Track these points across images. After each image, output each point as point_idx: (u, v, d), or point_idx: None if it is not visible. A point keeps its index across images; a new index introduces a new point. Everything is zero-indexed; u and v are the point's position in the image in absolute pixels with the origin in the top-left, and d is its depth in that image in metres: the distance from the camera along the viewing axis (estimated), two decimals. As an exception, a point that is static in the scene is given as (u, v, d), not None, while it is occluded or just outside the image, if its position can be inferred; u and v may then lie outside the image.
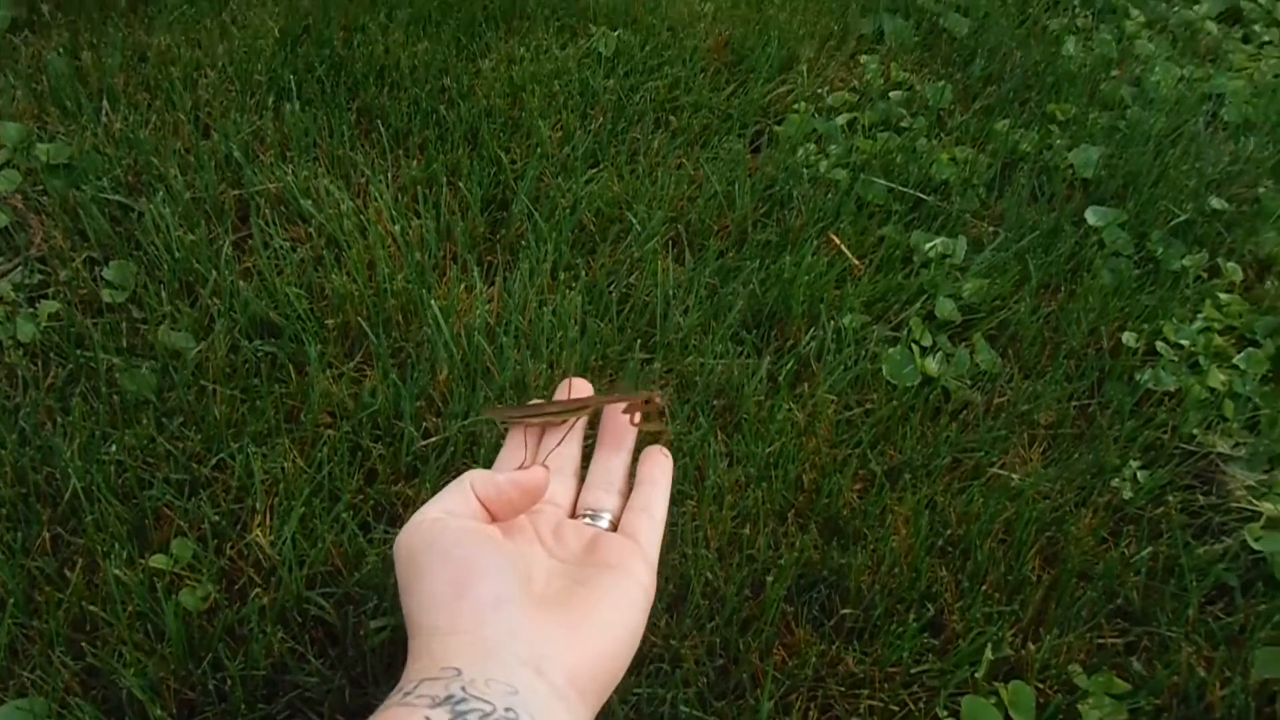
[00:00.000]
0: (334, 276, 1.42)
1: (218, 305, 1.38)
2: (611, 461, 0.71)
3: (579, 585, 0.57)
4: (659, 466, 0.69)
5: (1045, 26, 2.14)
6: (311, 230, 1.50)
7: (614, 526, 0.66)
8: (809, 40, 2.02)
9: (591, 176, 1.64)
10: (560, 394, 0.73)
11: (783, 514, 1.22)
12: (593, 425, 0.75)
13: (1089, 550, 1.20)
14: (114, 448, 1.19)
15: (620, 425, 0.72)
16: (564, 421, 0.72)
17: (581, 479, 0.71)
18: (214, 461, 1.21)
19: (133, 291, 1.39)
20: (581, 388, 0.73)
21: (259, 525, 1.15)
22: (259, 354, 1.33)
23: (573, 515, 0.68)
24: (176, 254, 1.42)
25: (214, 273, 1.41)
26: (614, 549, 0.61)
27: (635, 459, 0.71)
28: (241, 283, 1.40)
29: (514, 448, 0.71)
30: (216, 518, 1.14)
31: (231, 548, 1.13)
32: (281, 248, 1.47)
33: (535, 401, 0.77)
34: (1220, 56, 2.15)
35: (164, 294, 1.38)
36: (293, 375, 1.31)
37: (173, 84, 1.71)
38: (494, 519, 0.60)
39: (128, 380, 1.27)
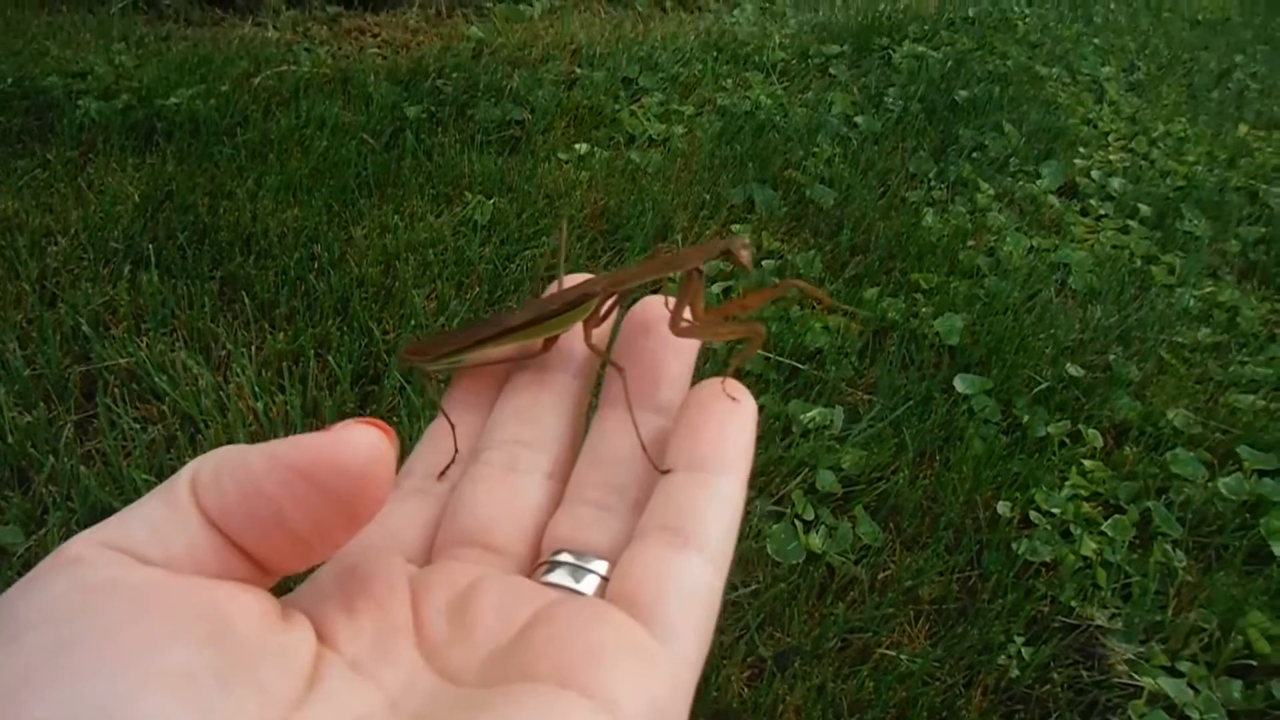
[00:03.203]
0: (188, 459, 1.32)
1: (54, 494, 1.26)
2: (619, 440, 0.35)
3: None
4: (723, 421, 0.34)
5: (904, 198, 2.26)
6: (165, 408, 1.41)
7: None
8: (682, 209, 2.07)
9: (467, 347, 1.61)
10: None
11: (670, 709, 1.15)
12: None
13: (982, 736, 1.17)
14: (-82, 666, 1.05)
15: (646, 351, 0.37)
16: (543, 348, 0.39)
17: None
18: (37, 677, 1.08)
19: (-45, 481, 1.27)
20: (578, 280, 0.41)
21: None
22: (98, 548, 1.21)
23: (536, 563, 0.34)
24: (9, 437, 1.31)
25: (51, 458, 1.29)
26: (574, 636, 0.28)
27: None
28: (83, 468, 1.29)
29: (438, 435, 0.38)
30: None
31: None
32: (130, 428, 1.37)
33: (492, 315, 0.42)
34: (1064, 228, 2.30)
35: (-8, 483, 1.26)
36: (135, 571, 1.20)
37: (17, 251, 1.62)
38: (263, 568, 0.27)
39: (-59, 585, 1.13)
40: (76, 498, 1.25)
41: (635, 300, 0.40)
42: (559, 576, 0.32)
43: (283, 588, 0.30)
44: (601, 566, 0.32)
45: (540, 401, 0.37)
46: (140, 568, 0.25)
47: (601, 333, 0.40)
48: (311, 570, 0.30)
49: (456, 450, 0.37)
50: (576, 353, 0.39)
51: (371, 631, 0.29)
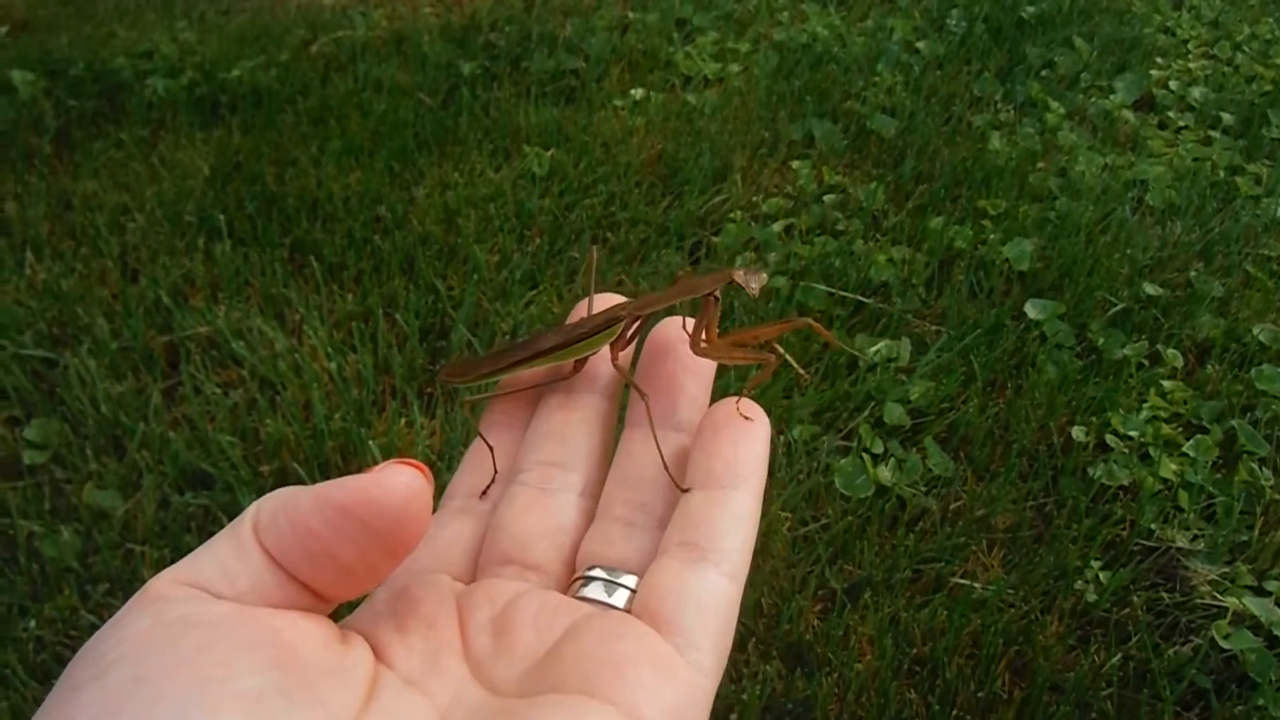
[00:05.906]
0: (269, 420, 1.37)
1: (146, 459, 1.33)
2: (644, 460, 0.38)
3: None
4: (737, 441, 0.36)
5: (970, 123, 2.19)
6: (244, 373, 1.46)
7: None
8: (741, 149, 2.05)
9: (530, 299, 1.63)
10: (577, 318, 0.43)
11: (743, 643, 1.17)
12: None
13: (1058, 660, 1.16)
14: (33, 623, 1.12)
15: (666, 373, 0.39)
16: (573, 370, 0.41)
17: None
18: (142, 629, 1.14)
19: (55, 450, 1.34)
20: (608, 301, 0.43)
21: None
22: (190, 508, 1.27)
23: (571, 578, 0.37)
24: (102, 407, 1.37)
25: (142, 424, 1.36)
26: (600, 649, 0.31)
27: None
28: (171, 433, 1.35)
29: (478, 456, 0.41)
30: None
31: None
32: (213, 393, 1.42)
33: (522, 338, 0.45)
34: (1140, 143, 2.21)
35: (89, 451, 1.33)
36: (226, 528, 1.25)
37: (99, 230, 1.68)
38: (320, 597, 0.30)
39: (48, 547, 1.21)
40: (168, 461, 1.32)
41: (656, 323, 0.42)
42: (593, 591, 0.35)
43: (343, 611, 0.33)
44: (632, 581, 0.35)
45: (570, 422, 0.40)
46: (213, 602, 0.28)
47: (627, 354, 0.43)
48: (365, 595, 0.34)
49: (495, 471, 0.40)
50: (603, 374, 0.41)
51: (422, 649, 0.32)
